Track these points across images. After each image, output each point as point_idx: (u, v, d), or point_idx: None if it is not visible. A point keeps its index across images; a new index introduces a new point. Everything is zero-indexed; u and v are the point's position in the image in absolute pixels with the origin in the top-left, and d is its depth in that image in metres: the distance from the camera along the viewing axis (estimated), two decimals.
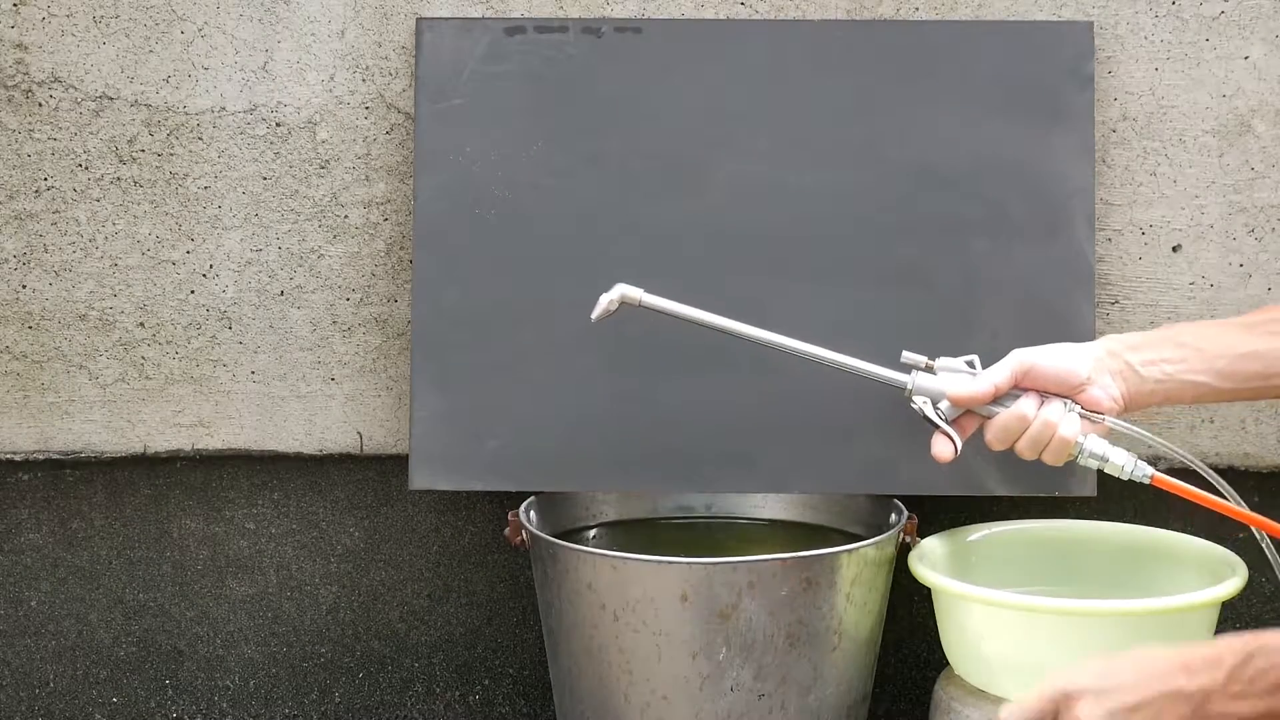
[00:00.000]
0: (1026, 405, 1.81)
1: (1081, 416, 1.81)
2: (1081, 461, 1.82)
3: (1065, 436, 1.80)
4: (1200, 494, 1.81)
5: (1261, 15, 2.15)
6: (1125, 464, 1.82)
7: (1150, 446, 1.86)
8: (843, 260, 2.11)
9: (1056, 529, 2.13)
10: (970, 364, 1.85)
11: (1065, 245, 2.11)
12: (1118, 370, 1.82)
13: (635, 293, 1.91)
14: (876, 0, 2.16)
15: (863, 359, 1.89)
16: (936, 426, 1.84)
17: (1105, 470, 1.82)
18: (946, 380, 1.85)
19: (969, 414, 1.85)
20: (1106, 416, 1.81)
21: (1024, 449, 1.82)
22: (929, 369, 1.86)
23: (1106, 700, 1.41)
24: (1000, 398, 1.82)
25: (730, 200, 2.12)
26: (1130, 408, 1.83)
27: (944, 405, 1.84)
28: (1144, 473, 1.82)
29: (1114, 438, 1.83)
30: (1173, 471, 1.86)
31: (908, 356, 1.86)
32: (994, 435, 1.83)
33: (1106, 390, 1.81)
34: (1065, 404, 1.81)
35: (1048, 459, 1.82)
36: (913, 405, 1.85)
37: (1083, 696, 1.41)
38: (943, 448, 1.84)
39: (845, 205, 2.11)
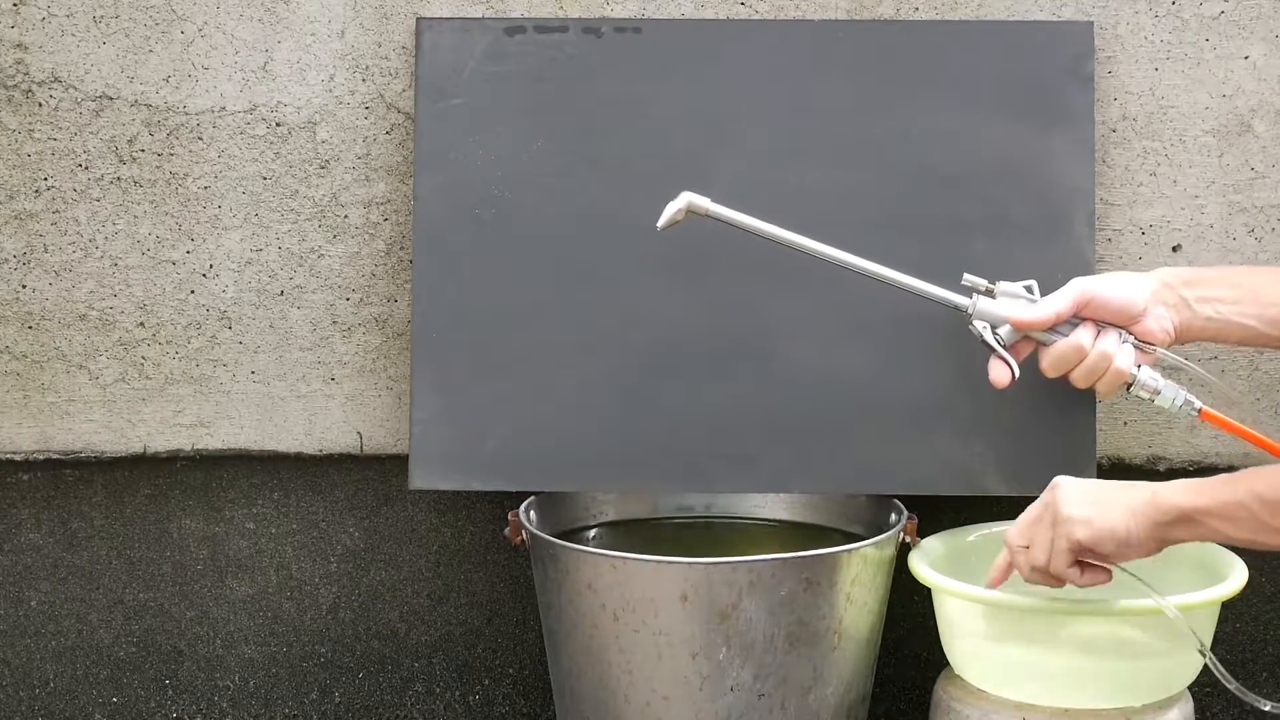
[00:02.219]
0: (1084, 335, 1.85)
1: (1135, 347, 1.83)
2: (1133, 392, 1.85)
3: (1120, 368, 1.84)
4: (1245, 429, 1.87)
5: (1261, 15, 2.15)
6: (1175, 397, 1.86)
7: (1194, 380, 1.90)
8: None
9: None
10: (1029, 289, 1.88)
11: (1065, 245, 2.11)
12: (1172, 303, 1.86)
13: (702, 201, 1.92)
14: (876, 0, 2.16)
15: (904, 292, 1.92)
16: (994, 351, 1.86)
17: (1156, 402, 1.85)
18: (1006, 305, 1.87)
19: (1025, 340, 1.88)
20: (1158, 348, 1.84)
21: (1079, 378, 1.86)
22: (989, 293, 1.87)
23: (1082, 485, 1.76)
24: (1058, 325, 1.85)
25: (730, 200, 2.12)
26: (1179, 340, 1.88)
27: (1003, 330, 1.85)
28: (1192, 407, 1.86)
29: (1161, 369, 1.87)
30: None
31: (969, 279, 1.89)
32: (1050, 363, 1.87)
33: (1160, 322, 1.85)
34: (1120, 334, 1.85)
35: (1101, 389, 1.87)
36: (971, 328, 1.87)
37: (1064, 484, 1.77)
38: (1000, 373, 1.88)
39: (845, 205, 2.11)
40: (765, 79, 2.13)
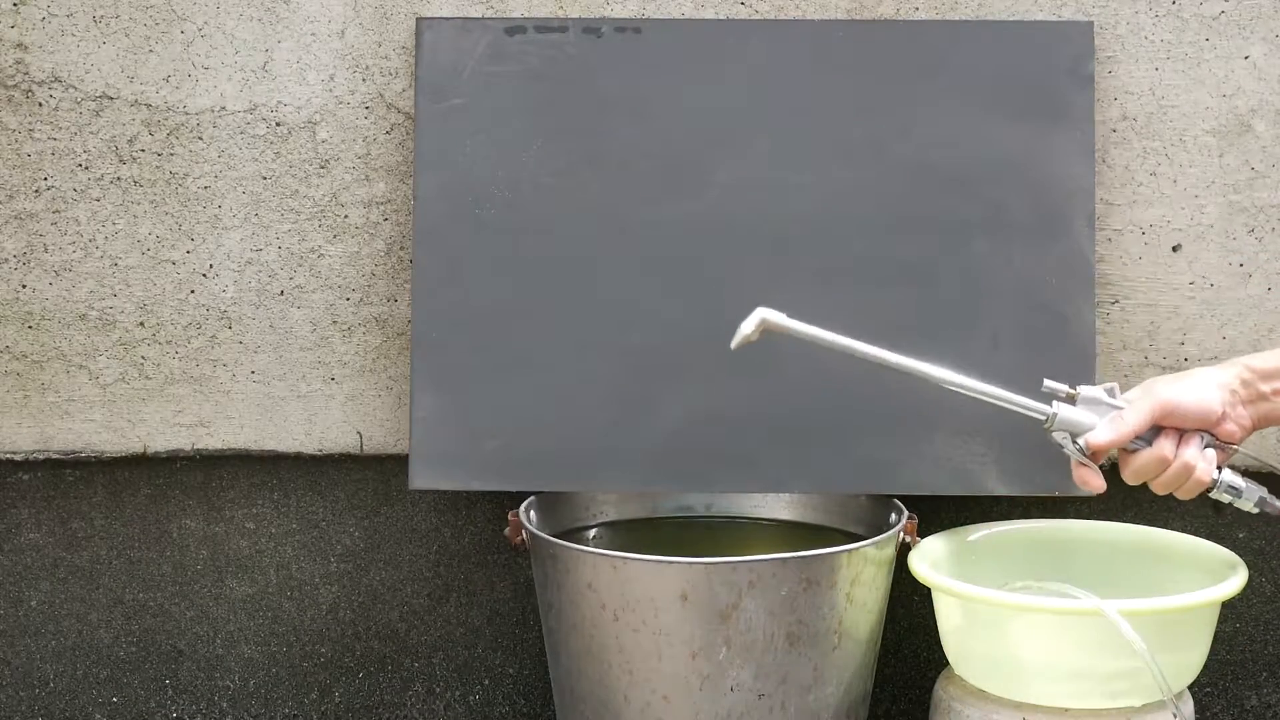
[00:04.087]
0: (1166, 446, 1.79)
1: (1215, 449, 1.80)
2: (1214, 495, 1.82)
3: (1202, 478, 1.80)
4: None
5: (1261, 15, 2.15)
6: (1252, 497, 1.82)
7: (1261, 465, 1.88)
8: (843, 260, 2.11)
9: (1056, 529, 2.13)
10: (1110, 391, 1.82)
11: (1065, 245, 2.11)
12: (1250, 399, 1.82)
13: (777, 317, 1.80)
14: (876, 0, 2.16)
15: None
16: (1084, 464, 1.81)
17: (1236, 504, 1.83)
18: (1085, 417, 1.80)
19: None
20: (1238, 448, 1.81)
21: (1158, 488, 1.81)
22: (1070, 399, 1.82)
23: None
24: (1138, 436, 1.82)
25: (730, 200, 2.12)
26: (1256, 428, 1.84)
27: (1083, 439, 1.81)
28: (1270, 505, 1.83)
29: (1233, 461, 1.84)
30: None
31: (1049, 385, 1.82)
32: (1131, 474, 1.82)
33: (1239, 421, 1.82)
34: (1201, 439, 1.80)
35: (1181, 495, 1.82)
36: (1051, 439, 1.82)
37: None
38: (1094, 481, 1.82)
39: (845, 205, 2.11)
40: (765, 79, 2.13)
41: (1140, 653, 1.82)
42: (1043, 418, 1.82)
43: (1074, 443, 1.81)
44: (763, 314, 1.79)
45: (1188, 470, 1.79)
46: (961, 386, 1.83)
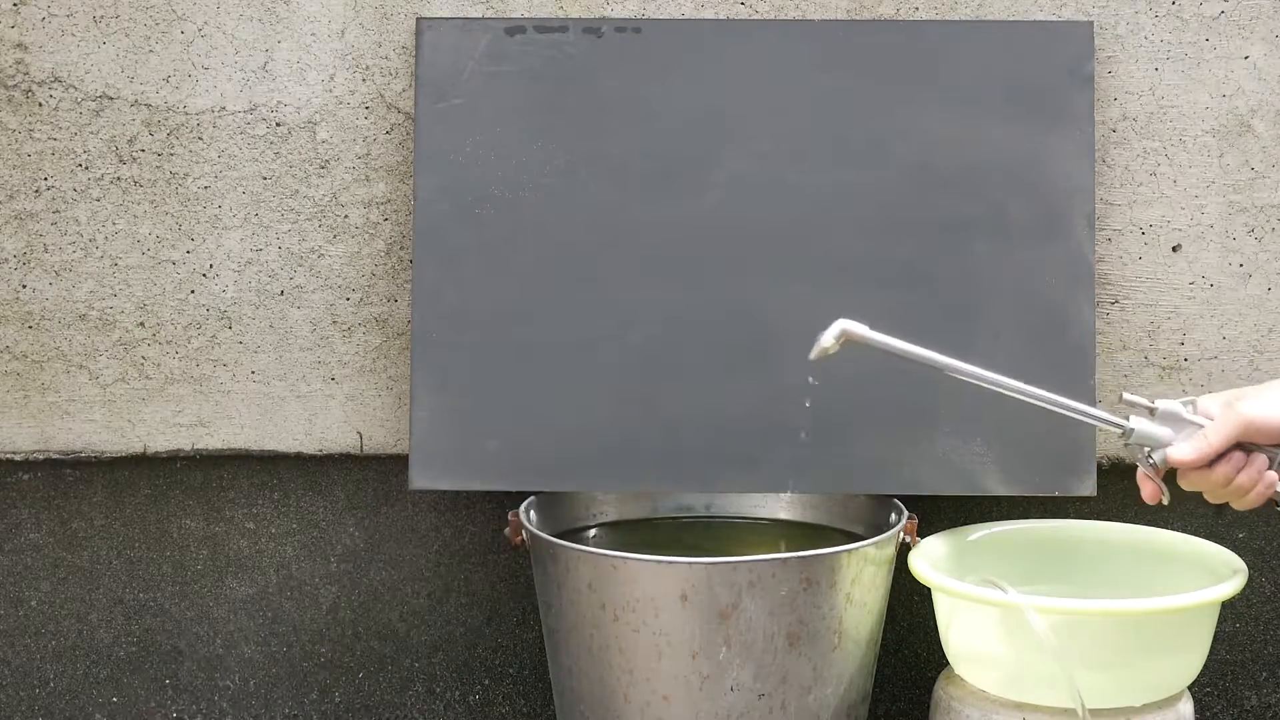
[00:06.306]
0: (1232, 464, 1.78)
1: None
2: (1278, 509, 1.81)
3: (1263, 492, 1.78)
4: None
5: (1261, 15, 2.15)
6: None
7: None
8: (843, 260, 2.11)
9: (1056, 529, 2.14)
10: (1188, 405, 1.79)
11: (1065, 245, 2.11)
12: None
13: (858, 328, 1.71)
14: (876, 0, 2.16)
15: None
16: (1150, 477, 1.79)
17: None
18: (1163, 432, 1.77)
19: None
20: None
21: (1214, 499, 1.80)
22: (1150, 412, 1.78)
23: None
24: None
25: (730, 200, 2.12)
26: None
27: (1157, 455, 1.79)
28: None
29: None
30: None
31: (1129, 398, 1.79)
32: (1191, 485, 1.79)
33: None
34: (1271, 456, 1.78)
35: (1238, 506, 1.81)
36: (1126, 448, 1.79)
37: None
38: (1150, 492, 1.79)
39: (845, 205, 2.11)
40: (765, 79, 2.13)
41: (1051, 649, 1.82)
42: (1119, 431, 1.80)
43: (1148, 457, 1.79)
44: (843, 325, 1.70)
45: (1251, 482, 1.77)
46: (1046, 401, 1.78)
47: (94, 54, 2.18)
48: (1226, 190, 2.17)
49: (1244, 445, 1.77)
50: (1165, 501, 1.79)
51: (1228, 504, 1.82)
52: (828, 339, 1.70)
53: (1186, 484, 1.80)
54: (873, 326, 2.08)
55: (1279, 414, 1.77)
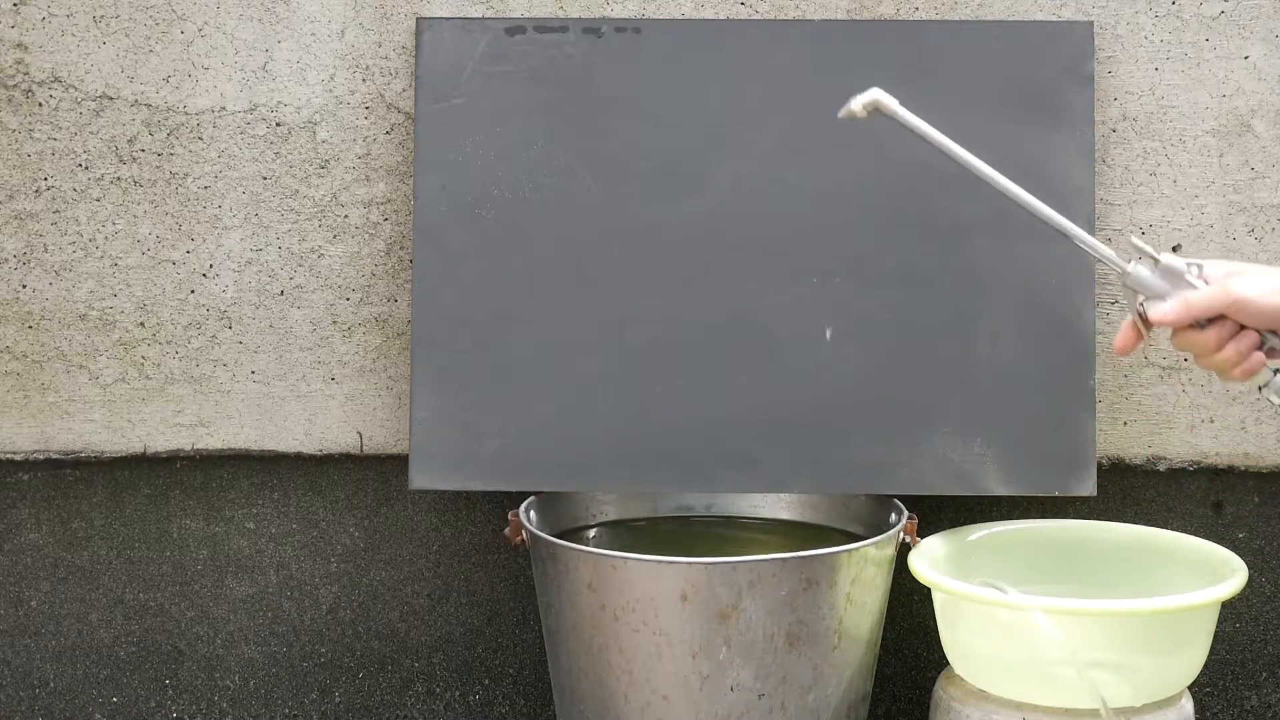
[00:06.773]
0: (1220, 333, 1.76)
1: (1269, 353, 1.77)
2: (1264, 395, 1.79)
3: (1249, 368, 1.75)
4: None
5: (1261, 15, 2.15)
6: None
7: None
8: (843, 260, 2.11)
9: (1056, 529, 2.14)
10: (1193, 268, 1.75)
11: (1065, 245, 2.10)
12: None
13: (890, 101, 1.71)
14: (876, 0, 2.16)
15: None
16: (1135, 318, 1.78)
17: None
18: (1158, 284, 1.76)
19: None
20: None
21: (1203, 366, 1.77)
22: (1155, 263, 1.75)
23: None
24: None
25: (730, 200, 2.12)
26: None
27: (1145, 307, 1.78)
28: None
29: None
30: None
31: (1137, 242, 1.76)
32: (1179, 343, 1.77)
33: None
34: (1261, 339, 1.76)
35: (1225, 378, 1.78)
36: (1124, 287, 1.77)
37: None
38: (1124, 340, 1.78)
39: (845, 205, 2.11)
40: (765, 79, 2.13)
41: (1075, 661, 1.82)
42: (1118, 270, 1.79)
43: (1139, 303, 1.79)
44: (876, 94, 1.71)
45: (1238, 358, 1.76)
46: (1050, 220, 1.79)
47: (94, 54, 2.18)
48: (1226, 190, 2.17)
49: (1234, 323, 1.75)
50: (1132, 351, 1.76)
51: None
52: (858, 104, 1.70)
53: (1177, 342, 1.79)
54: (873, 326, 2.09)
55: (1267, 298, 1.76)
